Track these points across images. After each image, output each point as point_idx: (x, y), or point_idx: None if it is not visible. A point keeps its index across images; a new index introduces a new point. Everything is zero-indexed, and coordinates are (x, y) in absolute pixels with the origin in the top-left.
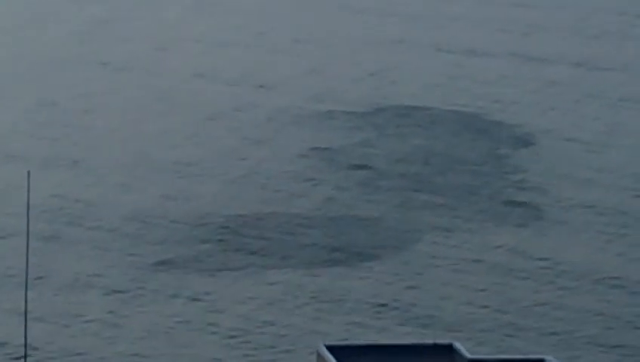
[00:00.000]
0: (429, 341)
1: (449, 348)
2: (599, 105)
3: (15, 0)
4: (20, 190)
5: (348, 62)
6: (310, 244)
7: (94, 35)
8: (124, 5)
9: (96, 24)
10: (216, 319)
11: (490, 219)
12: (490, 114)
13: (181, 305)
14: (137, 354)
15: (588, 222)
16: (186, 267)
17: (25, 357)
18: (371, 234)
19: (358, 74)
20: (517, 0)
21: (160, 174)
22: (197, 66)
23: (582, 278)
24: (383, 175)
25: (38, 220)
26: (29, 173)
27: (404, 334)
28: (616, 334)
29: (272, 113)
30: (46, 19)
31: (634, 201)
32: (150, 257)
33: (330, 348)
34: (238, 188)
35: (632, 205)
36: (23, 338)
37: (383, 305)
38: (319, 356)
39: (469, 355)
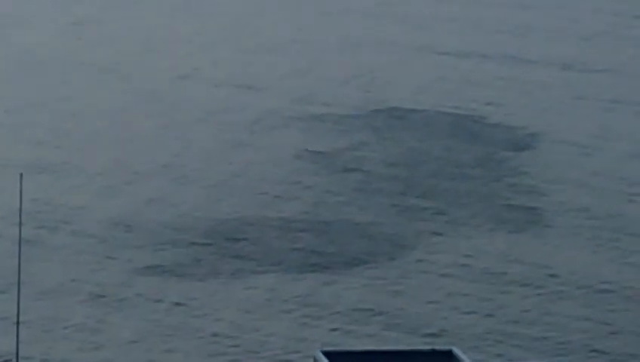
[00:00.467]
0: (428, 347)
1: (449, 354)
2: (592, 107)
3: None
4: (2, 193)
5: (338, 64)
6: (298, 249)
7: (79, 36)
8: (109, 6)
9: (81, 25)
10: (201, 324)
11: (483, 224)
12: (484, 116)
13: (165, 311)
14: (120, 361)
15: (580, 226)
16: (170, 272)
17: None
18: (361, 239)
19: (348, 76)
20: (510, 1)
21: (145, 178)
22: (183, 68)
23: (572, 283)
24: (374, 178)
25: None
26: (21, 175)
27: (392, 340)
28: (607, 340)
29: (260, 115)
30: (29, 20)
31: (627, 206)
32: (134, 262)
33: (327, 354)
34: (225, 191)
35: (625, 209)
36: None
37: (369, 310)
38: None
39: (469, 361)
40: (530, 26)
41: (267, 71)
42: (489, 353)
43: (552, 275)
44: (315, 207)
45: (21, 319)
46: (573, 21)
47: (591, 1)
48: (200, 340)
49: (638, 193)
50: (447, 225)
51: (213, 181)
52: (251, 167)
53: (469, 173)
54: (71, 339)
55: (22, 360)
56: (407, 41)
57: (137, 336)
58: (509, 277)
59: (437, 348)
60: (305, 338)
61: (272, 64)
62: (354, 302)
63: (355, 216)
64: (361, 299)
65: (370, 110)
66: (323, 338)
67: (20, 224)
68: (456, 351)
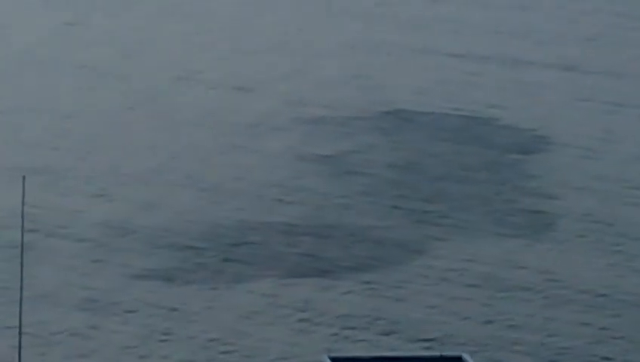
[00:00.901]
0: (436, 353)
1: (458, 360)
2: (595, 109)
3: None
4: None
5: (338, 66)
6: (298, 253)
7: (68, 38)
8: (97, 8)
9: (70, 27)
10: (197, 330)
11: (486, 228)
12: (488, 119)
13: (161, 316)
14: None
15: (584, 230)
16: (167, 276)
17: None
18: (363, 243)
19: (348, 78)
20: (509, 2)
21: (142, 181)
22: (180, 69)
23: (573, 288)
24: (378, 181)
25: (12, 229)
26: (24, 177)
27: (391, 346)
28: (608, 346)
29: (260, 117)
30: (17, 22)
31: (631, 209)
32: (130, 267)
33: (335, 360)
34: (224, 195)
35: (629, 213)
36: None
37: (368, 316)
38: None
39: None
40: (531, 28)
41: (266, 72)
42: (490, 359)
43: (553, 280)
44: (316, 210)
45: (10, 324)
46: (574, 22)
47: (591, 1)
48: (196, 346)
49: None
50: (450, 229)
51: (212, 184)
52: (251, 170)
53: (474, 176)
54: (65, 344)
55: None
56: (407, 43)
57: (132, 342)
58: (511, 282)
59: (446, 354)
60: (302, 343)
61: (270, 65)
62: (353, 307)
63: (357, 220)
64: (361, 303)
65: (373, 112)
66: (321, 344)
67: (23, 228)
68: (466, 356)
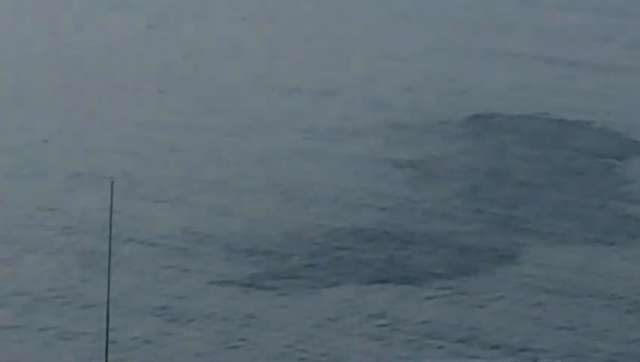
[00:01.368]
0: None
1: None
2: None
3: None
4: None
5: (420, 70)
6: (378, 260)
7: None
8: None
9: (149, 31)
10: (270, 337)
11: (572, 234)
12: (576, 123)
13: (235, 323)
14: None
15: None
16: (242, 283)
17: None
18: (444, 250)
19: (430, 82)
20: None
21: (217, 187)
22: (254, 73)
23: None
24: (462, 187)
25: (88, 234)
26: (112, 183)
27: (472, 355)
28: None
29: (338, 121)
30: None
31: None
32: (205, 274)
33: None
34: (302, 201)
35: None
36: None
37: (448, 324)
38: None
39: None
40: (617, 32)
41: (346, 76)
42: None
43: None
44: (399, 215)
45: (86, 330)
46: None
47: None
48: (271, 353)
49: None
50: (536, 235)
51: (292, 189)
52: (332, 174)
53: (562, 181)
54: (136, 352)
55: None
56: (490, 47)
57: (206, 348)
58: (595, 289)
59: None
60: (380, 351)
61: (351, 69)
62: (434, 313)
63: (441, 226)
64: (442, 310)
65: (457, 117)
66: (400, 351)
67: (110, 233)
68: None
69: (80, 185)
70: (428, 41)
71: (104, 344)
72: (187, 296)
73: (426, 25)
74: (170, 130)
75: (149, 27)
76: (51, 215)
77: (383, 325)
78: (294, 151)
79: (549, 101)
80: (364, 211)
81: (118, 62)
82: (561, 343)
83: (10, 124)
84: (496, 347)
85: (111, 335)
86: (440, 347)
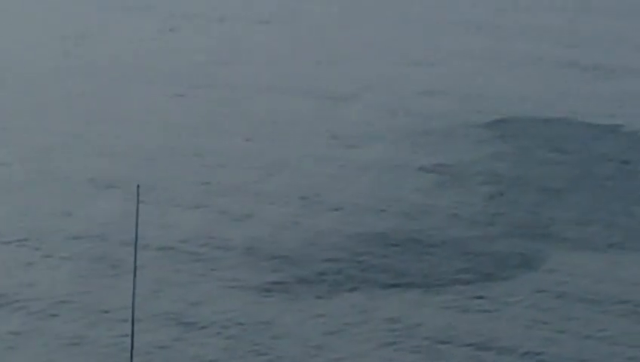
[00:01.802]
0: None
1: None
2: None
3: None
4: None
5: (443, 75)
6: (395, 266)
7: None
8: (187, 18)
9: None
10: (285, 344)
11: (594, 240)
12: (617, 127)
13: (249, 329)
14: None
15: None
16: (258, 289)
17: None
18: (463, 256)
19: (452, 86)
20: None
21: (233, 193)
22: (266, 78)
23: None
24: (483, 193)
25: (105, 241)
26: (138, 186)
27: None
28: None
29: (353, 127)
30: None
31: None
32: (221, 280)
33: None
34: (318, 206)
35: None
36: None
37: (461, 331)
38: None
39: None
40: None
41: (361, 81)
42: None
43: None
44: (416, 221)
45: (101, 335)
46: None
47: None
48: (281, 359)
49: None
50: (557, 242)
51: (308, 195)
52: (347, 180)
53: (608, 185)
54: (151, 358)
55: None
56: (511, 51)
57: (220, 356)
58: (614, 296)
59: None
60: (392, 358)
61: (367, 74)
62: (449, 320)
63: (459, 232)
64: (458, 317)
65: (477, 122)
66: (412, 358)
67: (136, 240)
68: None
69: (96, 190)
70: (448, 46)
71: (119, 349)
72: (203, 301)
73: (446, 29)
74: (187, 134)
75: (170, 30)
76: (67, 220)
77: (398, 330)
78: (314, 155)
79: (572, 105)
80: (384, 216)
81: (135, 66)
82: (578, 349)
83: (26, 129)
84: (511, 352)
85: (126, 340)
86: (454, 353)
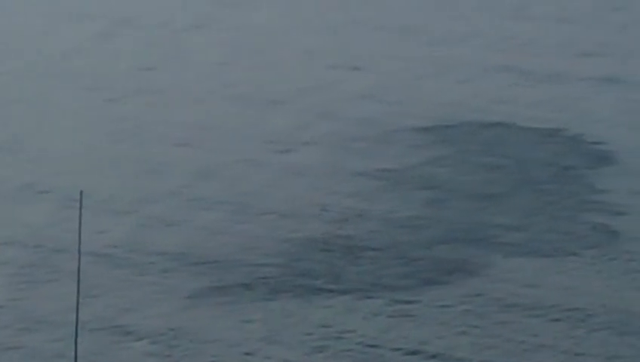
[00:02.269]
0: None
1: None
2: None
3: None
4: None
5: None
6: (328, 271)
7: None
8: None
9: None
10: (212, 352)
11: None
12: (569, 129)
13: (178, 338)
14: None
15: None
16: (187, 296)
17: None
18: (398, 262)
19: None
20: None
21: (162, 200)
22: (201, 84)
23: (591, 309)
24: (442, 196)
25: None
26: (81, 192)
27: None
28: None
29: (285, 132)
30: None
31: None
32: (149, 287)
33: None
34: (249, 213)
35: None
36: None
37: (395, 337)
38: None
39: None
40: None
41: (295, 85)
42: None
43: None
44: (350, 227)
45: (26, 345)
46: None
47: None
48: None
49: None
50: (494, 248)
51: (241, 201)
52: (279, 184)
53: (549, 189)
54: None
55: None
56: (446, 56)
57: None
58: (546, 304)
59: None
60: None
61: (299, 78)
62: (378, 326)
63: (392, 238)
64: (386, 324)
65: (443, 125)
66: None
67: (80, 247)
68: None
69: (29, 196)
70: (383, 51)
71: (53, 355)
72: (135, 307)
73: (381, 34)
74: (121, 140)
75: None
76: (0, 226)
77: (329, 335)
78: (247, 160)
79: (509, 110)
80: (319, 221)
81: (70, 72)
82: (508, 354)
83: None
84: (441, 358)
85: (60, 346)
86: (383, 358)
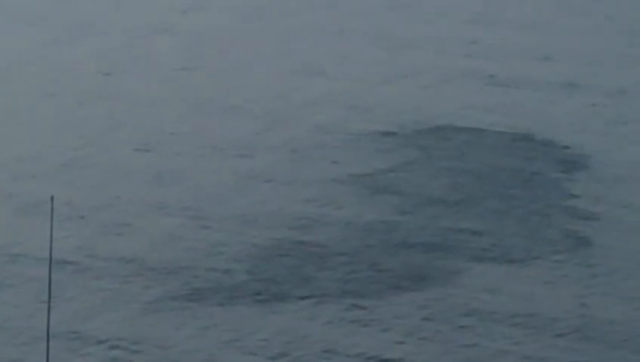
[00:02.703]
0: None
1: None
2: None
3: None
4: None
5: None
6: (292, 277)
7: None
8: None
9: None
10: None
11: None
12: (536, 134)
13: (131, 347)
14: None
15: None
16: (138, 304)
17: None
18: (358, 268)
19: (386, 95)
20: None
21: (114, 206)
22: (158, 90)
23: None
24: (412, 201)
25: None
26: (52, 198)
27: None
28: None
29: (240, 138)
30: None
31: None
32: (100, 293)
33: None
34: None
35: None
36: None
37: (354, 344)
38: None
39: None
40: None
41: (252, 92)
42: None
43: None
44: (307, 234)
45: None
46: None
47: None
48: None
49: None
50: (462, 254)
51: (196, 209)
52: (235, 192)
53: (519, 194)
54: None
55: None
56: (422, 61)
57: None
58: (508, 312)
59: None
60: None
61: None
62: (335, 333)
63: (351, 244)
64: (345, 330)
65: (414, 130)
66: None
67: (51, 250)
68: None
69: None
70: (343, 55)
71: None
72: (90, 315)
73: (341, 39)
74: (77, 145)
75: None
76: None
77: (288, 342)
78: (206, 166)
79: (473, 115)
80: (278, 227)
81: (24, 77)
82: (465, 361)
83: None
84: None
85: (14, 354)
86: None
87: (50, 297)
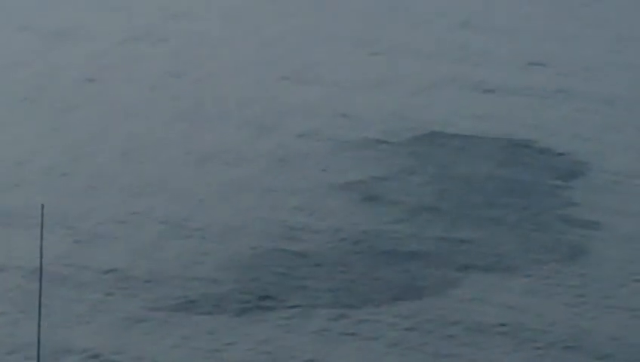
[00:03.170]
0: None
1: None
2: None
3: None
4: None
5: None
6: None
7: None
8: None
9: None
10: None
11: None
12: (529, 141)
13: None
14: None
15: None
16: (119, 316)
17: None
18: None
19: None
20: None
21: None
22: (138, 98)
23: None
24: (405, 209)
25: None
26: (42, 206)
27: None
28: None
29: (232, 146)
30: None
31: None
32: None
33: None
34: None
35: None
36: None
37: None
38: None
39: None
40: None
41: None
42: None
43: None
44: (292, 243)
45: None
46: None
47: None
48: None
49: None
50: (445, 267)
51: (174, 219)
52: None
53: (519, 202)
54: None
55: None
56: (406, 68)
57: None
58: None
59: None
60: None
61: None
62: (318, 346)
63: (345, 253)
64: (328, 342)
65: (410, 137)
66: None
67: (41, 256)
68: None
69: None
70: (327, 62)
71: None
72: (70, 325)
73: (325, 45)
74: (55, 154)
75: (42, 48)
76: None
77: (269, 353)
78: (189, 174)
79: (464, 121)
80: (262, 237)
81: (8, 83)
82: None
83: None
84: None
85: None
86: None
87: (40, 306)
